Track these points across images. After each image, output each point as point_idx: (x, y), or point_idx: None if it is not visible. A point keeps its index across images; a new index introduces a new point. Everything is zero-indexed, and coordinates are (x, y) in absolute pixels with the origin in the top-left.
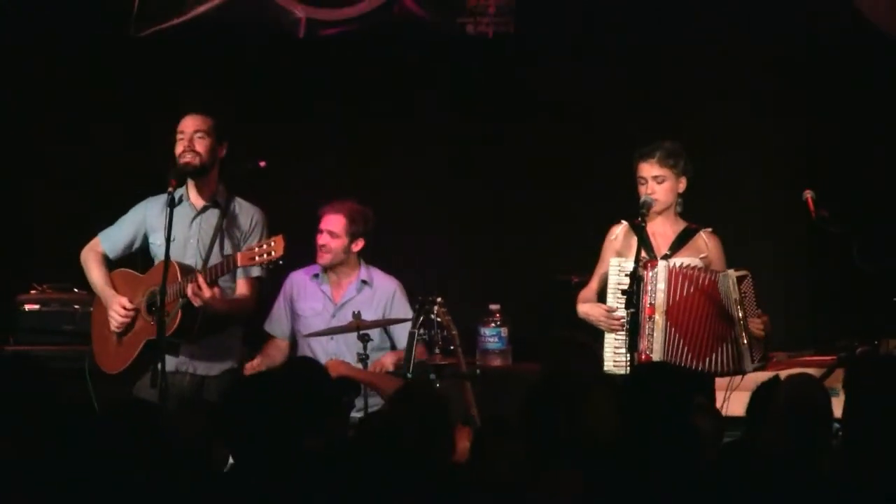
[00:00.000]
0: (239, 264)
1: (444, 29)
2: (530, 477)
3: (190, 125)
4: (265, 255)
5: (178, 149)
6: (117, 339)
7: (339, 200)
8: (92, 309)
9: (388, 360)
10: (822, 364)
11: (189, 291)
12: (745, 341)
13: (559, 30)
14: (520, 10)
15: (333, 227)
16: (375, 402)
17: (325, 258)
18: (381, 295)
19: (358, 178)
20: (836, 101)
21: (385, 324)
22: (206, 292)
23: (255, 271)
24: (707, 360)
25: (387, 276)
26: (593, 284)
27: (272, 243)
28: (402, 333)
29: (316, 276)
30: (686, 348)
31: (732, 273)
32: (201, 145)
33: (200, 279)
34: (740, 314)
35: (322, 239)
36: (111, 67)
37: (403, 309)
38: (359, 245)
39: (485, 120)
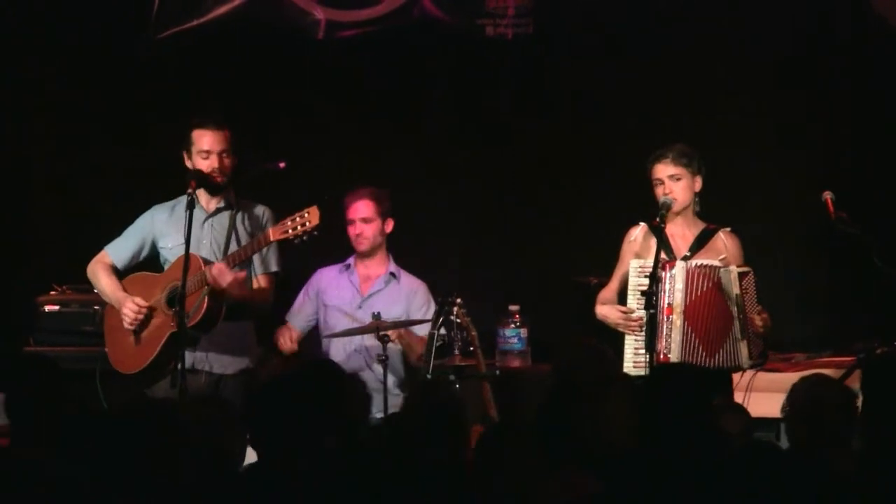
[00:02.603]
0: (272, 239)
1: (464, 31)
2: (543, 478)
3: (215, 144)
4: (299, 227)
5: (206, 167)
6: (135, 339)
7: (356, 189)
8: (105, 316)
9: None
10: (840, 365)
11: (209, 275)
12: (743, 337)
13: (578, 31)
14: (539, 11)
15: (365, 213)
16: (395, 403)
17: (363, 245)
18: (407, 290)
19: (377, 178)
20: (856, 101)
21: (404, 325)
22: (229, 275)
23: (273, 266)
24: (715, 356)
25: (412, 277)
26: (613, 285)
27: (306, 214)
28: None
29: (347, 266)
30: (700, 346)
31: (734, 269)
32: (227, 164)
33: (222, 263)
34: (740, 310)
35: (356, 228)
36: (129, 69)
37: (424, 307)
38: (390, 225)
39: (505, 120)
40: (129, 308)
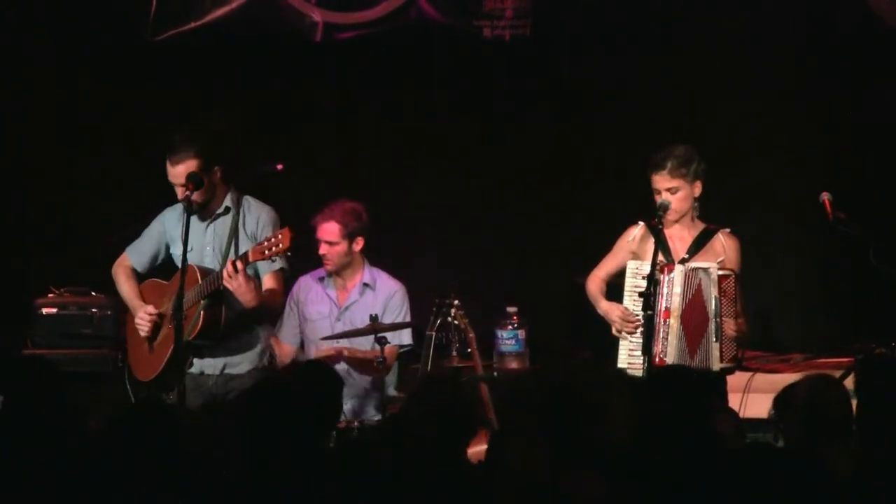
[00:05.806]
0: (250, 260)
1: (461, 32)
2: (547, 478)
3: (175, 177)
4: (273, 248)
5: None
6: (149, 347)
7: (328, 206)
8: (127, 321)
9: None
10: (839, 366)
11: (224, 274)
12: (717, 339)
13: (576, 33)
14: (538, 13)
15: (329, 237)
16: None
17: (329, 265)
18: (382, 296)
19: (376, 180)
20: (856, 101)
21: (400, 327)
22: (240, 276)
23: (278, 263)
24: (694, 357)
25: (391, 279)
26: (601, 273)
27: (279, 236)
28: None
29: (322, 279)
30: (686, 348)
31: (714, 270)
32: (196, 195)
33: (233, 263)
34: (716, 312)
35: (322, 249)
36: (128, 72)
37: (398, 312)
38: (359, 244)
39: (503, 122)
40: (141, 317)
